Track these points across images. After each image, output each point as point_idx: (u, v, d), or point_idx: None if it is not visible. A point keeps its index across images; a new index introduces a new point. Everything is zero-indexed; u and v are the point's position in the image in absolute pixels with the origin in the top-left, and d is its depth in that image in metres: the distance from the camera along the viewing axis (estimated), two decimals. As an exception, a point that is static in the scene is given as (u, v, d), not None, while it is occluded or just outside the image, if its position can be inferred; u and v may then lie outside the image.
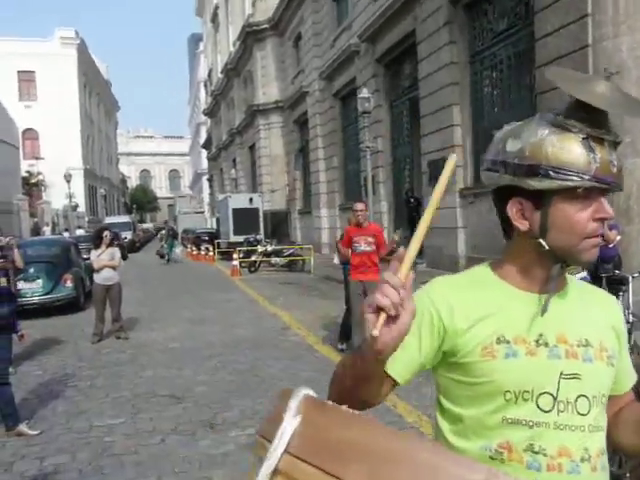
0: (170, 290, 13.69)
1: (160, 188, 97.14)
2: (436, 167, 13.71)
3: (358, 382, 1.02)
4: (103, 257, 7.74)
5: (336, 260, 6.93)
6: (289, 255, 17.57)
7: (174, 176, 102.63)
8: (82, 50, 48.35)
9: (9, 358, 4.48)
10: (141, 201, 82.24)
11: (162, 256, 23.68)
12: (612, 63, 8.68)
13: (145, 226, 58.27)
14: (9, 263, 4.74)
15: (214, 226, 41.34)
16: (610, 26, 8.72)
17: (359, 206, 6.08)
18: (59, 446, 4.16)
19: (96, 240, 7.92)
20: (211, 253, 24.05)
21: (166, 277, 17.28)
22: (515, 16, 11.41)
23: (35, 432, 4.40)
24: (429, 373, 4.23)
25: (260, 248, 17.84)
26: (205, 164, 68.21)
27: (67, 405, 5.11)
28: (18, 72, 44.37)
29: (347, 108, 21.81)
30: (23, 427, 4.41)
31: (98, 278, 7.79)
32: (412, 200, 15.99)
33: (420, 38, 14.08)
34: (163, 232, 26.28)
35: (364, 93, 13.23)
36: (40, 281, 10.24)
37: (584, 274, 5.91)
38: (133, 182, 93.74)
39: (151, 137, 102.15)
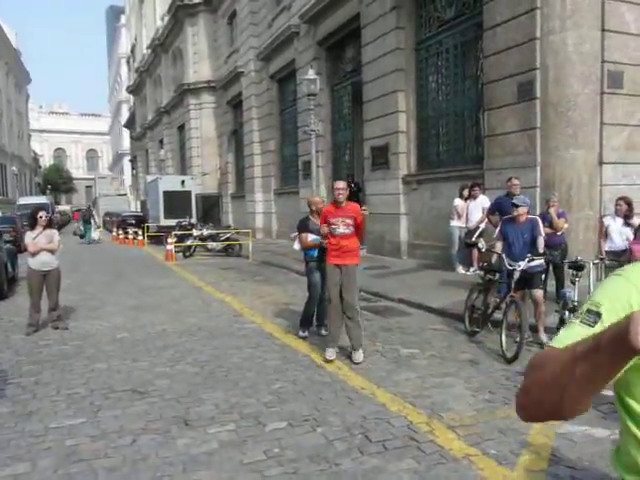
0: (103, 276, 12.87)
1: (77, 168, 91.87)
2: (380, 153, 13.75)
3: (587, 377, 0.83)
4: (40, 239, 7.04)
5: (296, 246, 6.61)
6: (226, 240, 17.07)
7: (92, 156, 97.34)
8: (-10, 15, 44.29)
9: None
10: (55, 182, 77.47)
11: (81, 236, 25.90)
12: (558, 57, 8.98)
13: (61, 208, 54.98)
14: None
15: (138, 209, 39.69)
16: (557, 20, 8.97)
17: (340, 184, 5.69)
18: (13, 453, 3.67)
19: (31, 221, 7.19)
20: (140, 237, 22.99)
21: (96, 262, 16.28)
22: (463, 5, 11.53)
23: (-19, 437, 3.89)
24: (399, 358, 4.12)
25: (195, 232, 17.20)
26: (127, 144, 65.27)
27: (12, 405, 4.56)
28: None
29: (284, 90, 21.43)
30: (-33, 432, 3.88)
31: (34, 263, 7.07)
32: (353, 185, 15.95)
33: (365, 22, 13.96)
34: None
35: (310, 74, 12.93)
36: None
37: (541, 261, 6.07)
38: (46, 161, 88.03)
39: (66, 114, 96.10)
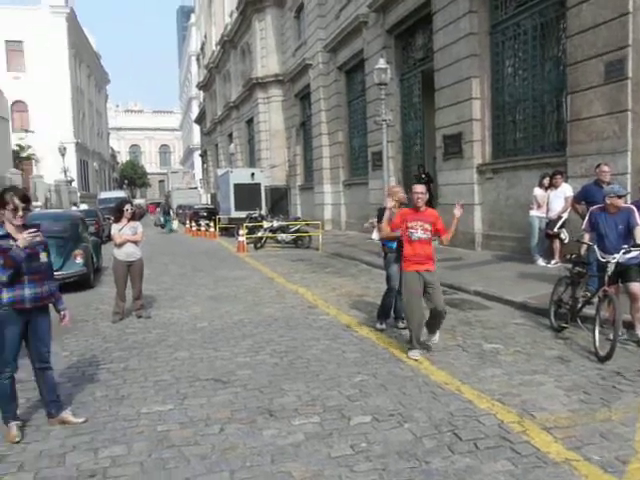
0: (180, 267, 13.30)
1: (150, 163, 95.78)
2: (452, 142, 13.37)
3: None
4: (125, 231, 7.34)
5: (375, 236, 6.47)
6: (295, 231, 17.20)
7: (164, 151, 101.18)
8: (72, 19, 46.77)
9: (50, 340, 4.12)
10: (131, 176, 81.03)
11: (161, 227, 28.86)
12: (651, 33, 8.34)
13: (137, 202, 57.44)
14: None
15: (209, 202, 40.84)
16: (652, -7, 8.32)
17: (419, 188, 5.44)
18: (110, 436, 3.83)
19: (117, 214, 7.51)
20: (212, 229, 23.62)
21: (171, 253, 16.85)
22: (544, -17, 10.94)
23: (80, 420, 4.07)
24: (483, 354, 3.87)
25: (266, 224, 17.45)
26: (197, 139, 67.21)
27: (106, 390, 4.77)
28: (6, 42, 42.93)
29: (352, 81, 21.28)
30: (67, 414, 4.08)
31: (120, 254, 7.38)
32: (424, 176, 15.65)
33: (437, 7, 13.57)
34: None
35: (381, 64, 12.74)
36: (51, 257, 9.77)
37: (638, 253, 5.62)
38: (123, 157, 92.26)
39: (141, 111, 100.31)
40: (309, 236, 17.08)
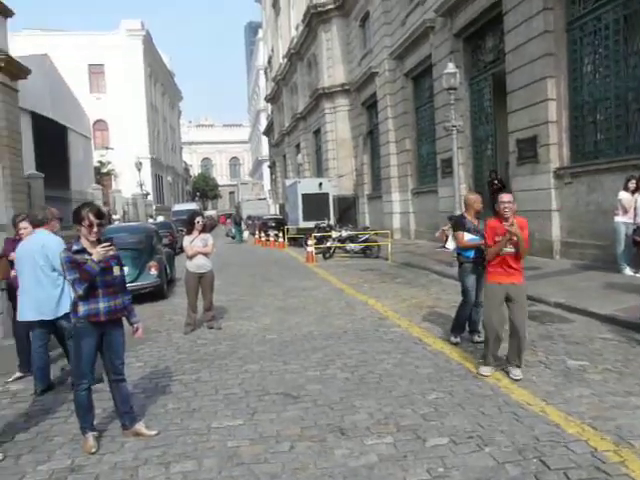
0: (249, 277, 13.47)
1: (221, 176, 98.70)
2: (527, 146, 12.79)
3: None
4: (196, 243, 7.46)
5: (450, 245, 6.20)
6: (364, 241, 17.02)
7: (234, 163, 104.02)
8: (147, 41, 49.21)
9: (123, 353, 4.19)
10: (203, 189, 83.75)
11: (232, 237, 30.32)
12: None
13: (208, 213, 59.18)
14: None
15: (277, 212, 41.48)
16: None
17: (505, 197, 5.01)
18: (181, 450, 3.83)
19: (188, 226, 7.65)
20: (280, 239, 23.87)
21: (241, 263, 17.13)
22: (627, -26, 10.27)
23: (153, 432, 4.10)
24: (568, 372, 3.45)
25: (334, 234, 17.39)
26: (266, 151, 68.53)
27: (177, 402, 4.80)
28: (89, 65, 45.72)
29: (420, 88, 20.93)
30: (141, 427, 4.12)
31: (191, 266, 7.51)
32: (496, 182, 15.07)
33: (508, 6, 13.07)
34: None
35: (450, 68, 12.39)
36: (126, 268, 10.04)
37: None
38: (195, 170, 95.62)
39: (212, 126, 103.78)
40: (378, 245, 16.85)
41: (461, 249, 5.96)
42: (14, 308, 6.81)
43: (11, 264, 6.51)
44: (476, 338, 6.17)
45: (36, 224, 5.33)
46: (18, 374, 5.86)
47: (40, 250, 5.13)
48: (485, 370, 5.06)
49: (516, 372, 4.97)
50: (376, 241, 17.28)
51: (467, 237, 5.84)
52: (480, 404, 4.35)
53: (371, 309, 8.60)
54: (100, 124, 44.98)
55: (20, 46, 25.61)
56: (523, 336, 4.99)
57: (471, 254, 5.83)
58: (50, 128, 23.73)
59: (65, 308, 5.10)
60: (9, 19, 18.04)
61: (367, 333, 6.96)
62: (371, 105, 25.63)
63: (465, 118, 16.27)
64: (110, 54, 45.53)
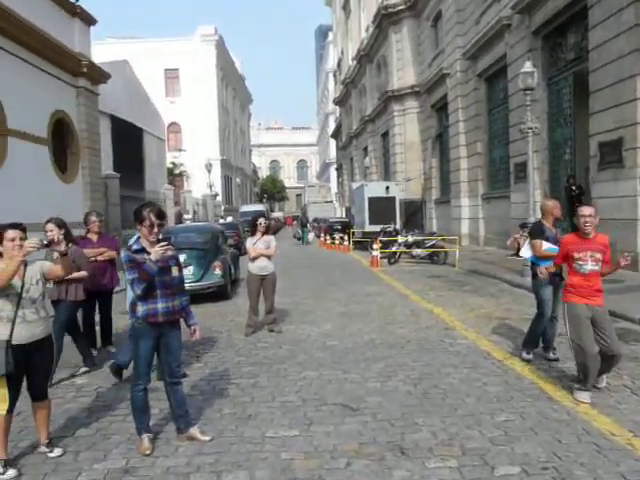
0: (312, 280, 13.37)
1: (288, 178, 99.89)
2: (610, 149, 11.94)
3: None
4: (259, 245, 7.41)
5: (526, 253, 5.75)
6: (431, 246, 16.54)
7: (302, 166, 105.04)
8: (220, 46, 50.56)
9: (180, 355, 4.14)
10: (271, 191, 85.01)
11: (298, 239, 30.77)
12: None
13: (275, 215, 59.95)
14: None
15: (343, 215, 41.35)
16: None
17: (587, 211, 4.57)
18: (234, 459, 3.70)
19: (252, 227, 7.61)
20: (346, 242, 23.71)
21: (305, 265, 17.10)
22: None
23: (207, 438, 4.01)
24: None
25: (401, 239, 17.02)
26: (333, 154, 68.72)
27: (234, 407, 4.71)
28: (165, 70, 47.51)
29: (493, 89, 20.17)
30: (195, 431, 4.04)
31: (253, 268, 7.47)
32: (574, 188, 14.21)
33: (594, 0, 12.27)
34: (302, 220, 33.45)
35: (527, 67, 11.76)
36: (191, 268, 10.24)
37: None
38: (263, 172, 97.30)
39: (281, 128, 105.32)
40: (445, 252, 16.33)
41: (537, 258, 5.52)
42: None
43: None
44: (550, 355, 5.72)
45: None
46: (84, 368, 5.99)
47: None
48: (584, 396, 4.53)
49: (603, 381, 4.67)
50: (443, 247, 16.75)
51: (545, 246, 5.40)
52: (556, 430, 3.97)
53: (436, 318, 8.24)
54: (174, 126, 46.57)
55: (102, 53, 26.87)
56: (620, 354, 4.62)
57: (549, 264, 5.39)
58: (127, 130, 24.78)
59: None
60: (92, 28, 18.95)
61: (432, 344, 6.64)
62: (441, 107, 25.01)
63: (542, 120, 15.44)
64: (185, 59, 47.15)
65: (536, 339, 5.79)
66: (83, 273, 5.75)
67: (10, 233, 3.70)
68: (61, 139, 16.67)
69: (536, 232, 5.59)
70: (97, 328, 7.02)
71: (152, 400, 4.25)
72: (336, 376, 5.46)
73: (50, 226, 5.57)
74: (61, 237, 5.43)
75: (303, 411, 4.55)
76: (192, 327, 4.15)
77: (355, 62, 40.53)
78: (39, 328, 3.80)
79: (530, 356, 5.76)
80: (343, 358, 6.14)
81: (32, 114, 14.66)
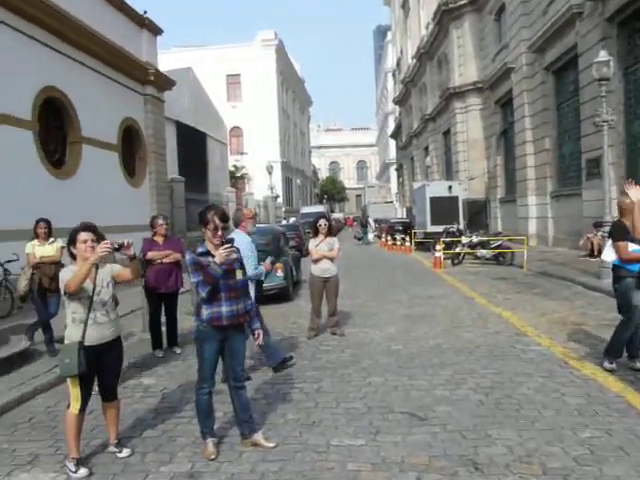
0: (374, 282, 13.17)
1: (348, 179, 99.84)
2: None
3: None
4: (321, 247, 7.31)
5: (608, 257, 5.34)
6: (497, 247, 15.95)
7: (361, 167, 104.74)
8: (280, 50, 51.14)
9: (244, 360, 4.08)
10: (331, 192, 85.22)
11: (358, 239, 31.25)
12: None
13: (335, 216, 59.94)
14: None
15: (404, 215, 40.81)
16: None
17: None
18: (299, 468, 3.60)
19: (313, 229, 7.53)
20: (407, 243, 23.33)
21: (366, 266, 16.90)
22: None
23: (271, 444, 3.93)
24: None
25: (464, 239, 16.52)
26: (393, 154, 68.06)
27: (297, 412, 4.62)
28: (227, 76, 48.56)
29: (562, 82, 19.26)
30: (259, 437, 3.97)
31: (316, 270, 7.37)
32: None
33: (675, -17, 11.45)
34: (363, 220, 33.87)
35: (601, 56, 11.11)
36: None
37: None
38: (323, 174, 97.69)
39: (340, 130, 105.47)
40: (512, 252, 15.70)
41: (623, 261, 5.10)
42: (150, 305, 7.17)
43: (148, 263, 6.84)
44: (637, 365, 5.29)
45: (235, 224, 5.80)
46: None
47: None
48: None
49: None
50: (510, 247, 16.12)
51: (631, 247, 4.98)
52: (648, 449, 3.63)
53: (506, 322, 7.87)
54: (235, 130, 47.48)
55: (167, 61, 27.72)
56: None
57: (636, 267, 4.96)
58: (192, 135, 25.43)
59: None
60: (158, 37, 19.55)
61: (502, 350, 6.32)
62: (506, 103, 24.17)
63: (617, 112, 14.55)
64: (246, 64, 48.01)
65: (620, 347, 5.37)
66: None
67: (83, 235, 3.77)
68: (130, 144, 17.27)
69: (619, 232, 5.17)
70: (163, 329, 7.13)
71: (216, 403, 4.22)
72: (402, 382, 5.27)
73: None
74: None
75: (369, 419, 4.39)
76: (255, 331, 4.09)
77: (415, 60, 39.92)
78: (109, 330, 3.85)
79: (613, 365, 5.34)
80: (409, 363, 5.94)
81: (104, 122, 15.26)
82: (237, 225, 5.79)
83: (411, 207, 34.26)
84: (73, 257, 3.85)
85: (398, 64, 54.75)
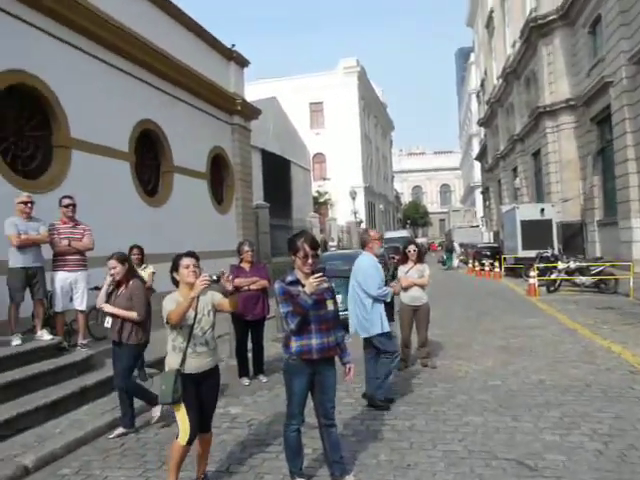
0: (465, 309, 12.56)
1: (431, 203, 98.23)
2: None
3: None
4: (411, 274, 6.99)
5: None
6: (598, 273, 14.78)
7: (445, 190, 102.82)
8: (362, 76, 51.63)
9: (335, 395, 3.84)
10: (413, 216, 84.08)
11: (443, 263, 30.98)
12: None
13: (418, 240, 58.85)
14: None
15: (491, 240, 39.27)
16: None
17: None
18: (396, 518, 3.30)
19: (403, 255, 7.24)
20: (497, 269, 22.28)
21: (455, 293, 16.23)
22: None
23: (364, 489, 3.66)
24: None
25: (561, 265, 15.47)
26: (478, 177, 66.26)
27: (390, 453, 4.30)
28: (310, 104, 49.60)
29: (669, 94, 17.82)
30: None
31: (405, 298, 7.04)
32: None
33: None
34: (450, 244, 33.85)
35: None
36: (340, 296, 10.05)
37: None
38: (406, 198, 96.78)
39: (422, 154, 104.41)
40: (615, 279, 14.47)
41: None
42: (237, 332, 7.15)
43: (235, 289, 6.82)
44: None
45: (362, 246, 6.03)
46: (121, 429, 5.20)
47: (356, 270, 5.74)
48: None
49: None
50: (613, 274, 14.87)
51: None
52: None
53: (617, 358, 7.11)
54: (319, 157, 48.15)
55: (253, 92, 28.69)
56: None
57: None
58: (276, 162, 25.98)
59: (377, 328, 5.51)
60: (245, 69, 20.28)
61: (617, 391, 5.65)
62: (603, 119, 22.70)
63: None
64: (328, 92, 48.83)
65: None
66: (132, 314, 5.01)
67: (185, 260, 3.82)
68: (218, 172, 17.83)
69: None
70: (249, 355, 7.07)
71: (305, 438, 4.01)
72: (505, 423, 4.81)
73: (113, 262, 5.16)
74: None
75: (469, 465, 4.00)
76: (347, 365, 3.85)
77: (501, 80, 38.77)
78: (207, 359, 3.78)
79: None
80: (509, 402, 5.45)
81: (194, 151, 15.86)
82: (364, 247, 5.92)
83: (498, 231, 32.91)
84: (175, 283, 3.86)
85: (482, 85, 53.53)
